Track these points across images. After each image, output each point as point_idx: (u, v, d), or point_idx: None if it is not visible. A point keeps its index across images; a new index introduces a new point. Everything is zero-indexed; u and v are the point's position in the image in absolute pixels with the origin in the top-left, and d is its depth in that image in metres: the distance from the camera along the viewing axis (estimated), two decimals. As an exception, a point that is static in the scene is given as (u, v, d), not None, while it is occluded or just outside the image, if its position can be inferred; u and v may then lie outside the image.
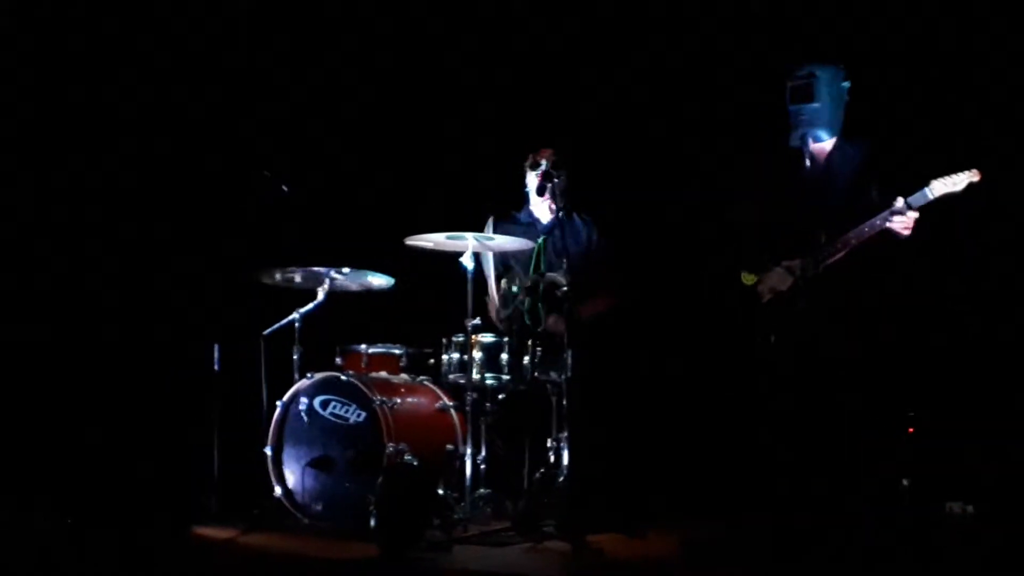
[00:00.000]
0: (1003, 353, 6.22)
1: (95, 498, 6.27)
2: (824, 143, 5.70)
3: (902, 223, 5.44)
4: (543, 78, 7.18)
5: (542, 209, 6.55)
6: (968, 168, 5.39)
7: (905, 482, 5.95)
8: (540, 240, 6.51)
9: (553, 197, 6.15)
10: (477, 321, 6.08)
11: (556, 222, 6.24)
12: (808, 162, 5.61)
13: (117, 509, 6.15)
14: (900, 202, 5.43)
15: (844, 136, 5.71)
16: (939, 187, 5.40)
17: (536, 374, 6.13)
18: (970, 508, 5.93)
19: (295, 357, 6.31)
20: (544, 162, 6.24)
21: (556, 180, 6.11)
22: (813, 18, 6.54)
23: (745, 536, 5.63)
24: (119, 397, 7.01)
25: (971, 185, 5.38)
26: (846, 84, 5.68)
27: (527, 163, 6.52)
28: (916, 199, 5.42)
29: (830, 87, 5.64)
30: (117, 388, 7.02)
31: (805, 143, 5.63)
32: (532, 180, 6.48)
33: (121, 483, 6.50)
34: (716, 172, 6.55)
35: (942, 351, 6.31)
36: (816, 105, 5.61)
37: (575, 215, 6.58)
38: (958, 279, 6.31)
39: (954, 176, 5.39)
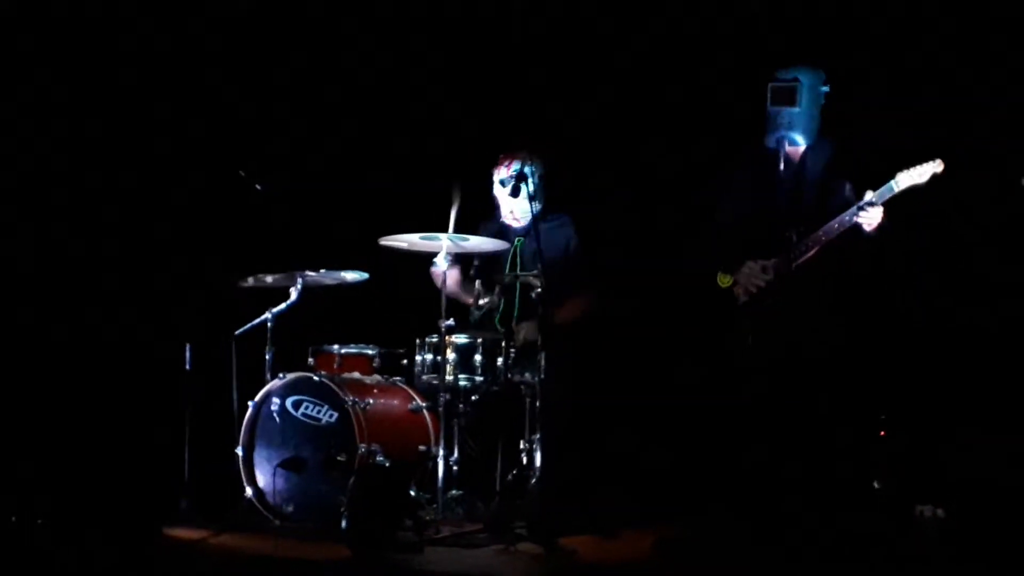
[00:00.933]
0: (977, 356, 6.25)
1: (64, 498, 6.23)
2: (797, 147, 5.72)
3: (868, 218, 5.47)
4: (520, 77, 7.16)
5: (517, 210, 6.50)
6: (932, 159, 5.43)
7: (876, 484, 5.97)
8: (517, 241, 6.49)
9: (528, 199, 6.13)
10: (451, 322, 6.07)
11: (532, 223, 6.23)
12: (782, 165, 5.63)
13: (87, 509, 6.11)
14: (867, 196, 5.47)
15: (817, 138, 5.73)
16: (904, 179, 5.45)
17: (509, 375, 6.13)
18: (940, 512, 5.96)
19: (267, 357, 6.29)
20: (518, 163, 6.24)
21: (529, 181, 6.10)
22: (788, 16, 6.56)
23: (718, 536, 5.64)
24: (89, 397, 6.96)
25: (935, 176, 5.42)
26: (825, 88, 5.70)
27: (497, 166, 6.48)
28: (881, 193, 5.46)
29: (811, 92, 5.65)
30: (87, 388, 6.98)
31: (781, 146, 5.65)
32: (503, 184, 6.43)
33: (91, 483, 6.45)
34: (693, 173, 6.55)
35: (915, 353, 6.34)
36: (797, 110, 5.63)
37: (551, 216, 6.55)
38: (931, 279, 6.34)
39: (918, 167, 5.44)
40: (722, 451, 5.85)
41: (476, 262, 6.37)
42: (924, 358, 6.34)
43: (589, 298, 6.42)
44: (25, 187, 7.00)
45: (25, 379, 6.85)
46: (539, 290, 5.94)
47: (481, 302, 6.36)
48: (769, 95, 5.65)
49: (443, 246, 5.97)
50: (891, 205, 5.48)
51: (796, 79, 5.63)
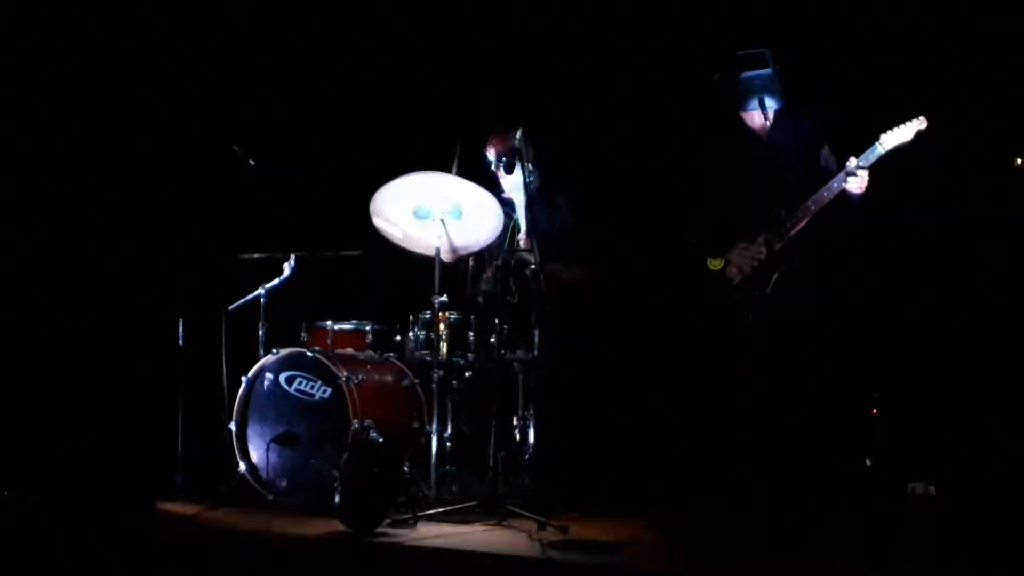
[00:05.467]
0: (969, 336, 6.26)
1: (58, 473, 6.24)
2: (770, 112, 5.71)
3: (856, 183, 5.47)
4: (510, 56, 7.15)
5: (512, 188, 6.50)
6: (915, 116, 5.42)
7: (868, 462, 5.99)
8: (515, 218, 6.48)
9: (522, 175, 6.12)
10: (444, 299, 6.06)
11: (528, 200, 6.21)
12: (756, 141, 5.65)
13: (81, 484, 6.12)
14: (852, 162, 5.47)
15: (784, 109, 5.73)
16: (889, 140, 5.45)
17: (503, 352, 6.13)
18: (932, 489, 5.98)
19: (260, 333, 6.28)
20: (511, 141, 6.23)
21: (523, 159, 6.09)
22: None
23: (711, 514, 5.66)
24: (83, 373, 6.96)
25: (920, 134, 5.42)
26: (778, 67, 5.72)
27: (488, 145, 6.46)
28: (866, 157, 5.47)
29: (773, 64, 5.67)
30: (81, 364, 6.97)
31: (764, 107, 5.66)
32: (497, 163, 6.42)
33: (85, 458, 6.46)
34: (681, 148, 6.56)
35: (910, 331, 6.35)
36: (769, 72, 5.65)
37: (546, 192, 6.53)
38: (925, 258, 6.35)
39: (902, 127, 5.44)
40: (718, 429, 5.86)
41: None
42: (917, 337, 6.35)
43: (581, 272, 6.42)
44: (18, 163, 6.98)
45: (19, 356, 6.85)
46: (533, 267, 5.94)
47: (484, 287, 6.36)
48: (741, 63, 5.68)
49: (438, 234, 5.93)
50: (878, 170, 5.48)
51: (763, 48, 5.66)
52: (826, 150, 5.66)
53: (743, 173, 5.70)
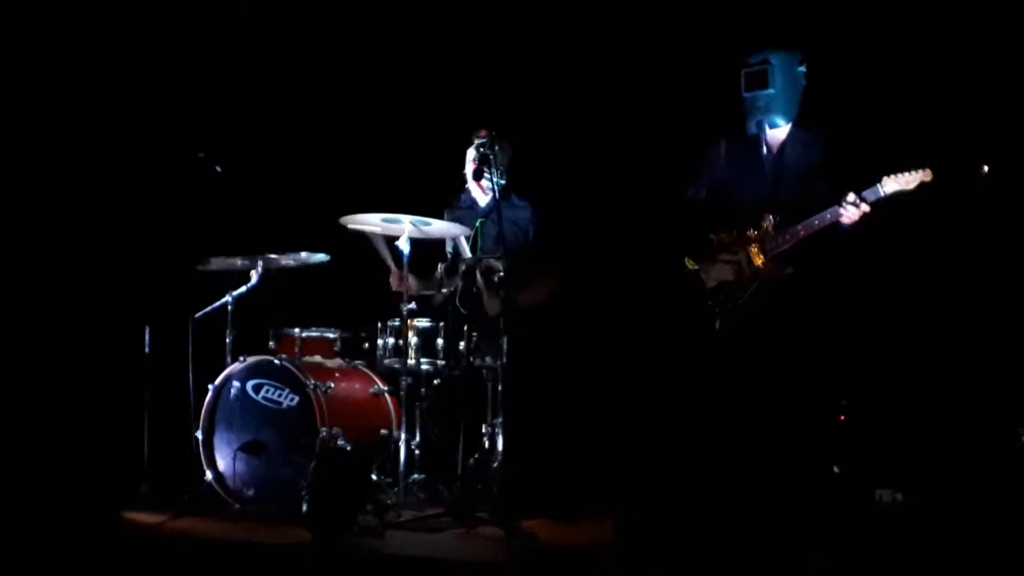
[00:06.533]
0: (938, 341, 6.28)
1: (23, 482, 6.19)
2: (779, 130, 5.70)
3: (851, 216, 5.41)
4: (489, 57, 7.14)
5: (479, 192, 6.52)
6: (921, 167, 5.37)
7: (836, 469, 6.00)
8: (478, 223, 6.48)
9: (490, 181, 6.13)
10: (413, 306, 6.05)
11: (494, 204, 6.21)
12: (764, 150, 5.64)
13: (46, 493, 6.07)
14: (852, 196, 5.42)
15: (799, 123, 5.71)
16: (891, 184, 5.38)
17: (472, 360, 6.12)
18: (899, 496, 5.99)
19: (228, 340, 6.25)
20: (481, 144, 6.23)
21: (491, 165, 6.09)
22: (772, 5, 6.57)
23: (679, 520, 5.66)
24: (48, 380, 6.91)
25: (923, 185, 5.37)
26: (802, 69, 5.68)
27: (470, 147, 6.46)
28: (869, 194, 5.39)
29: (785, 73, 5.63)
30: (46, 371, 6.92)
31: (762, 130, 5.65)
32: (469, 164, 6.44)
33: (49, 466, 6.41)
34: (661, 156, 6.56)
35: (877, 339, 6.37)
36: (771, 91, 5.61)
37: (514, 197, 6.54)
38: (898, 272, 6.37)
39: (906, 174, 5.36)
40: (685, 433, 5.86)
41: (449, 249, 6.41)
42: (885, 343, 6.37)
43: (552, 281, 6.41)
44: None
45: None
46: (501, 274, 5.94)
47: (443, 290, 6.34)
48: (743, 81, 5.65)
49: (405, 229, 5.93)
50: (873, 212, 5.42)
51: (766, 60, 5.62)
52: (825, 184, 5.60)
53: (745, 180, 5.68)
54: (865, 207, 5.40)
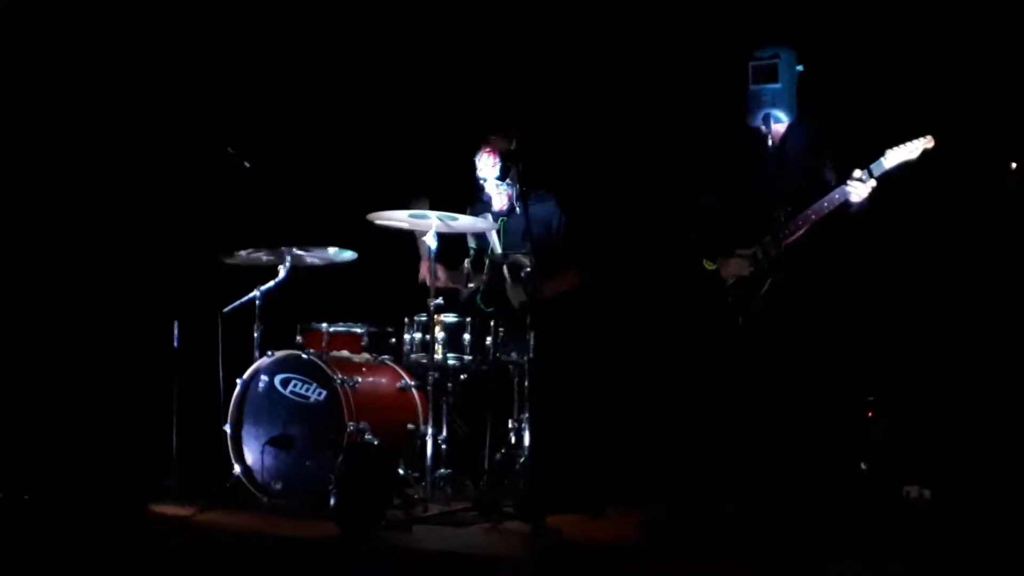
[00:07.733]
0: (965, 338, 6.26)
1: (51, 475, 6.22)
2: (780, 124, 5.71)
3: (859, 192, 5.43)
4: (506, 58, 7.14)
5: (499, 194, 6.50)
6: (922, 135, 5.41)
7: (863, 466, 5.99)
8: (500, 221, 6.48)
9: (514, 182, 6.17)
10: (440, 301, 6.06)
11: (516, 202, 6.22)
12: (770, 142, 5.64)
13: (74, 487, 6.10)
14: (858, 171, 5.44)
15: (798, 117, 5.73)
16: (893, 156, 5.42)
17: (498, 354, 6.13)
18: (927, 493, 5.97)
19: (255, 335, 6.27)
20: (502, 146, 6.26)
21: (519, 163, 6.11)
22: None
23: (704, 516, 5.66)
24: (77, 375, 6.94)
25: (926, 152, 5.40)
26: (799, 68, 5.70)
27: (480, 153, 6.46)
28: (875, 167, 5.43)
29: (789, 70, 5.67)
30: (76, 366, 6.96)
31: (767, 123, 5.65)
32: (488, 168, 6.42)
33: (79, 461, 6.44)
34: (679, 155, 6.56)
35: (903, 335, 6.34)
36: (778, 86, 5.64)
37: (535, 193, 6.52)
38: (921, 262, 6.35)
39: (908, 144, 5.41)
40: (712, 431, 5.86)
41: (472, 245, 6.39)
42: (911, 339, 6.34)
43: (578, 273, 6.42)
44: (9, 167, 6.97)
45: (12, 358, 6.83)
46: (528, 269, 5.94)
47: (470, 285, 6.36)
48: (751, 74, 5.67)
49: (432, 225, 5.94)
50: (881, 187, 5.46)
51: (776, 55, 5.64)
52: (829, 165, 5.62)
53: (751, 174, 5.69)
54: (872, 182, 5.43)
